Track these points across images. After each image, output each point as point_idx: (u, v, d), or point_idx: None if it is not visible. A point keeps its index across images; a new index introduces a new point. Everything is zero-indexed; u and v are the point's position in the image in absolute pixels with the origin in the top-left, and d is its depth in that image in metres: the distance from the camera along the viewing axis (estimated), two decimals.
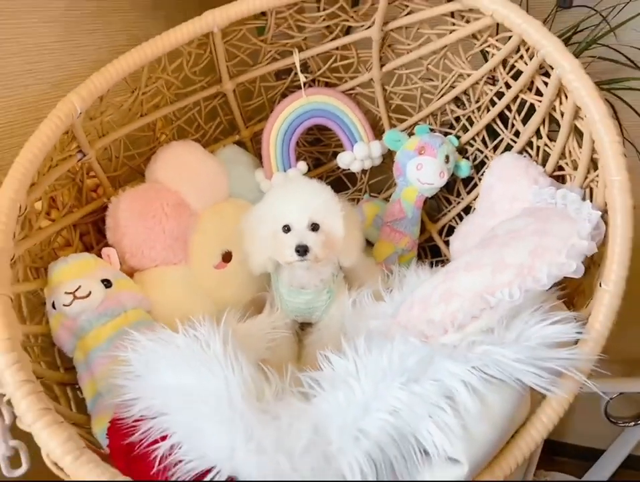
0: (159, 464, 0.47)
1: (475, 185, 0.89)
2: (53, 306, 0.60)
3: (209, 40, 0.76)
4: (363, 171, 1.00)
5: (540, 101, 0.70)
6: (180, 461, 0.47)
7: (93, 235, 0.76)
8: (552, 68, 0.63)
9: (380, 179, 1.00)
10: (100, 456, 0.46)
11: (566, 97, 0.65)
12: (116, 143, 0.77)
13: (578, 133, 0.68)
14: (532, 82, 0.72)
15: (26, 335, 0.58)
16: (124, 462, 0.50)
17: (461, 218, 0.90)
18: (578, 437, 1.39)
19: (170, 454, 0.48)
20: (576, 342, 0.54)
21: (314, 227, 0.67)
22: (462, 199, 0.91)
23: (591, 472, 1.28)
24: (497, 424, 0.49)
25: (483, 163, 0.87)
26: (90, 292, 0.60)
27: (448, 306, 0.57)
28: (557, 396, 0.52)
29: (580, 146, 0.67)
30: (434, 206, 0.99)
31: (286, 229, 0.67)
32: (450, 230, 0.92)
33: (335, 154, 0.94)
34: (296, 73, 0.87)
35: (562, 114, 0.67)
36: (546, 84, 0.67)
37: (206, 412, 0.49)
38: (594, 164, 0.66)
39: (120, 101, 0.72)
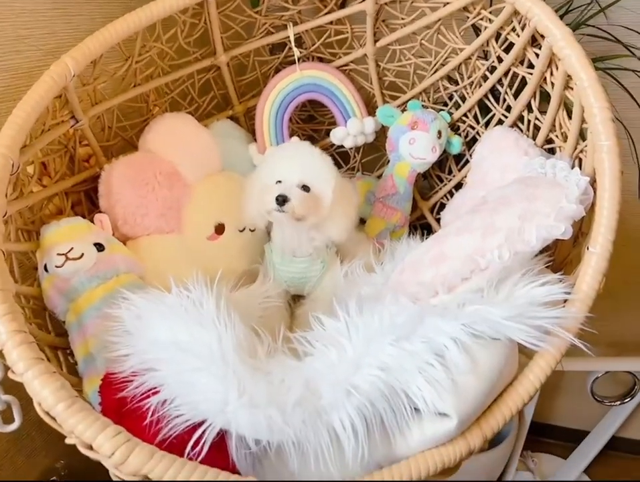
0: (151, 417, 0.48)
1: (467, 162, 0.89)
2: (45, 269, 0.60)
3: (204, 9, 0.76)
4: (356, 150, 1.01)
5: (531, 74, 0.71)
6: (172, 415, 0.48)
7: (85, 204, 0.76)
8: (543, 38, 0.64)
9: (373, 157, 1.01)
10: None
11: (557, 67, 0.66)
12: (109, 113, 0.77)
13: (568, 106, 0.69)
14: (524, 55, 0.72)
15: (17, 295, 0.58)
16: (116, 417, 0.49)
17: (452, 195, 0.91)
18: (564, 419, 1.41)
19: (162, 408, 0.48)
20: (564, 303, 0.55)
21: (305, 188, 0.68)
22: (454, 176, 0.92)
23: (577, 452, 1.30)
24: (485, 379, 0.50)
25: (474, 140, 0.88)
26: (83, 254, 0.60)
27: (438, 269, 0.58)
28: (544, 355, 0.53)
29: (570, 117, 0.68)
30: (425, 186, 1.00)
31: (277, 183, 0.68)
32: (442, 207, 0.92)
33: (328, 133, 0.95)
34: (290, 49, 0.88)
35: (553, 85, 0.68)
36: (537, 55, 0.68)
37: (199, 366, 0.49)
38: (583, 135, 0.67)
39: (113, 69, 0.72)
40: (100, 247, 0.62)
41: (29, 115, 0.57)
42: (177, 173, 0.76)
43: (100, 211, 0.72)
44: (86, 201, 0.76)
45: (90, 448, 0.43)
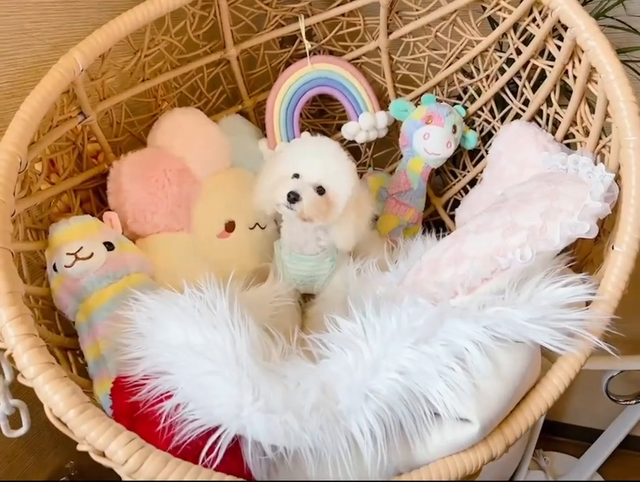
0: (164, 422, 0.46)
1: (482, 157, 0.87)
2: (55, 269, 0.59)
3: (214, 1, 0.74)
4: (368, 145, 0.99)
5: (552, 66, 0.69)
6: (185, 420, 0.46)
7: (93, 202, 0.74)
8: (566, 30, 0.61)
9: (385, 152, 0.99)
10: None
11: (579, 60, 0.64)
12: (117, 108, 0.75)
13: (590, 100, 0.67)
14: (544, 47, 0.70)
15: (26, 295, 0.57)
16: (128, 422, 0.48)
17: (467, 192, 0.89)
18: (578, 417, 1.39)
19: (175, 413, 0.47)
20: (587, 304, 0.53)
21: (320, 189, 0.66)
22: (469, 172, 0.90)
23: (590, 451, 1.28)
24: (508, 383, 0.48)
25: (490, 135, 0.86)
26: (92, 254, 0.58)
27: (457, 269, 0.56)
28: (568, 359, 0.51)
29: (592, 111, 0.66)
30: (439, 182, 0.98)
31: (294, 177, 0.67)
32: (456, 204, 0.90)
33: (339, 127, 0.93)
34: (300, 42, 0.86)
35: (575, 78, 0.65)
36: (559, 47, 0.66)
37: (212, 369, 0.48)
38: (605, 130, 0.65)
39: (122, 63, 0.70)
40: (109, 246, 0.61)
41: (36, 111, 0.55)
42: (186, 170, 0.75)
43: (109, 209, 0.71)
44: (95, 199, 0.75)
45: (103, 455, 0.42)
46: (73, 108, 0.66)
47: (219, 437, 0.45)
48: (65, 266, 0.57)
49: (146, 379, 0.49)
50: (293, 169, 0.67)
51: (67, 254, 0.58)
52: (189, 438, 0.46)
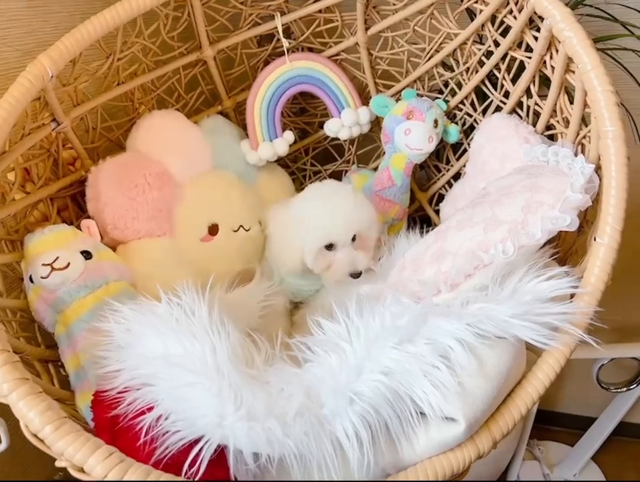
0: (145, 435, 0.45)
1: (465, 150, 0.87)
2: (31, 280, 0.58)
3: (187, 2, 0.73)
4: (351, 142, 0.98)
5: (530, 57, 0.68)
6: (167, 432, 0.46)
7: (72, 209, 0.73)
8: (542, 20, 0.61)
9: (368, 149, 0.98)
10: (86, 431, 0.44)
11: (557, 51, 0.63)
12: (93, 113, 0.74)
13: (569, 90, 0.66)
14: (521, 39, 0.69)
15: (3, 308, 0.56)
16: (109, 436, 0.48)
17: (451, 186, 0.89)
18: (570, 406, 1.40)
19: (156, 426, 0.46)
20: (572, 297, 0.53)
21: (354, 237, 0.67)
22: (452, 166, 0.89)
23: (584, 439, 1.29)
24: (493, 380, 0.48)
25: (472, 128, 0.85)
26: (69, 263, 0.57)
27: (440, 265, 0.55)
28: (553, 353, 0.51)
29: (571, 102, 0.65)
30: (423, 176, 0.97)
31: (330, 246, 0.67)
32: (441, 198, 0.90)
33: (321, 125, 0.92)
34: (278, 40, 0.84)
35: (553, 69, 0.65)
36: (536, 38, 0.65)
37: (193, 379, 0.47)
38: (585, 120, 0.64)
39: (94, 67, 0.69)
40: (87, 255, 0.60)
41: (5, 120, 0.54)
42: (167, 173, 0.73)
43: (89, 216, 0.70)
44: (73, 206, 0.73)
45: (82, 470, 0.41)
46: (46, 115, 0.65)
47: (201, 448, 0.45)
48: (42, 278, 0.56)
49: (126, 392, 0.48)
50: (323, 238, 0.66)
51: (43, 264, 0.57)
52: (172, 450, 0.45)
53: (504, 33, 0.71)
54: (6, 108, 0.54)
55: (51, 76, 0.58)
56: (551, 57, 0.65)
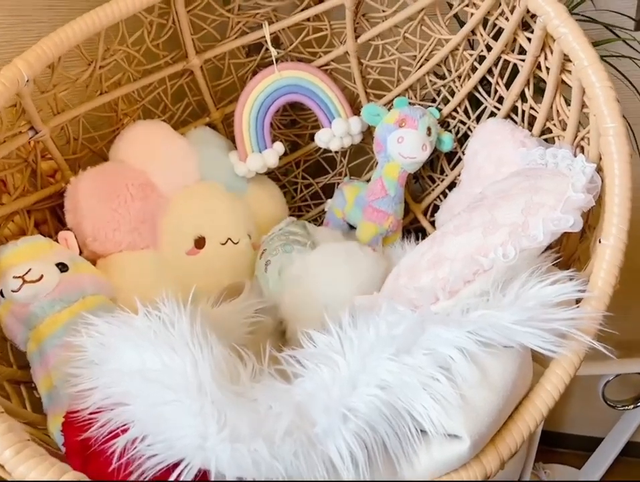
0: (119, 459, 0.41)
1: (459, 160, 0.85)
2: (2, 294, 0.54)
3: (171, 8, 0.71)
4: (343, 154, 0.96)
5: (523, 60, 0.67)
6: (143, 456, 0.41)
7: (51, 223, 0.70)
8: (534, 20, 0.59)
9: (360, 161, 0.96)
10: (58, 458, 0.40)
11: (551, 51, 0.61)
12: (75, 124, 0.71)
13: (565, 92, 0.64)
14: (515, 41, 0.68)
15: None
16: (80, 461, 0.43)
17: (446, 196, 0.86)
18: (576, 426, 1.35)
19: (132, 448, 0.42)
20: (577, 302, 0.50)
21: None
22: (447, 176, 0.87)
23: (591, 461, 1.24)
24: (498, 392, 0.44)
25: (466, 136, 0.83)
26: (42, 276, 0.54)
27: (437, 272, 0.52)
28: (562, 362, 0.47)
29: (568, 103, 0.63)
30: (417, 189, 0.95)
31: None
32: (436, 210, 0.87)
33: (312, 137, 0.90)
34: (267, 49, 0.83)
35: (548, 70, 0.63)
36: (529, 40, 0.64)
37: (172, 397, 0.43)
38: (583, 123, 0.62)
39: (75, 75, 0.67)
40: (63, 267, 0.56)
41: None
42: (150, 184, 0.71)
43: (69, 230, 0.66)
44: (53, 219, 0.70)
45: None
46: (23, 122, 0.62)
47: (181, 473, 0.40)
48: (12, 291, 0.53)
49: (99, 412, 0.44)
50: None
51: (14, 277, 0.53)
52: (148, 476, 0.41)
53: (496, 37, 0.70)
54: None
55: (27, 80, 0.56)
56: (545, 58, 0.63)
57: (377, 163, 0.86)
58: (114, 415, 0.43)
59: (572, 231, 0.50)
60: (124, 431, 0.42)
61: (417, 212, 0.91)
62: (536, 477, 1.26)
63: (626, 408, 1.11)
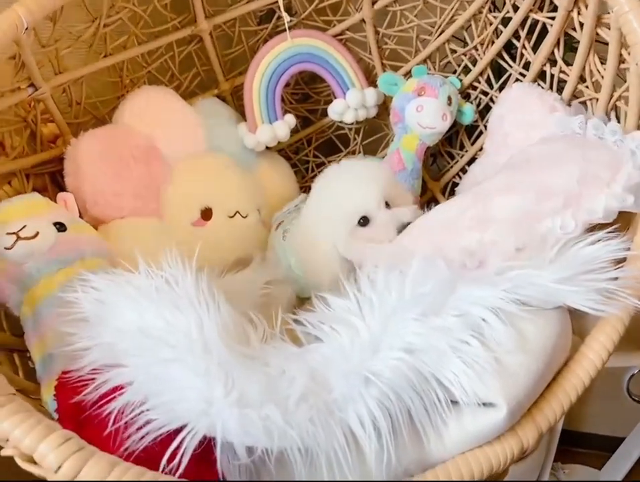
0: (115, 423, 0.37)
1: (480, 133, 0.81)
2: None
3: None
4: (357, 131, 0.92)
5: (553, 18, 0.62)
6: (142, 420, 0.37)
7: (51, 190, 0.66)
8: None
9: (374, 138, 0.92)
10: None
11: (586, 5, 0.57)
12: (77, 86, 0.68)
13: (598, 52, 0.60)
14: (544, 0, 0.64)
15: None
16: (73, 425, 0.39)
17: (466, 173, 0.82)
18: (597, 425, 1.29)
19: (130, 411, 0.38)
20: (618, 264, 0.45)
21: (387, 205, 0.60)
22: (467, 151, 0.83)
23: (612, 461, 1.18)
24: (537, 356, 0.40)
25: (487, 109, 0.79)
26: (38, 233, 0.50)
27: (484, 234, 0.48)
28: (604, 328, 0.43)
29: (602, 63, 0.59)
30: (434, 169, 0.91)
31: (364, 221, 0.59)
32: (455, 187, 0.83)
33: (324, 113, 0.86)
34: (279, 18, 0.79)
35: (582, 26, 0.59)
36: None
37: (174, 356, 0.39)
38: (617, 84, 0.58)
39: (78, 31, 0.63)
40: (61, 226, 0.52)
41: None
42: (155, 149, 0.67)
43: None
44: (53, 186, 0.66)
45: (33, 461, 0.33)
46: (22, 78, 0.59)
47: (183, 439, 0.36)
48: (5, 248, 0.49)
49: (95, 372, 0.40)
50: (357, 211, 0.59)
51: (8, 233, 0.49)
52: (147, 442, 0.37)
53: None
54: None
55: (26, 28, 0.52)
56: (579, 13, 0.59)
57: (392, 140, 0.82)
58: (112, 375, 0.39)
59: (631, 211, 0.46)
60: (122, 393, 0.38)
61: (435, 190, 0.86)
62: (554, 477, 1.21)
63: None
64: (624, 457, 1.16)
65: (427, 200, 0.87)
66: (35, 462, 0.32)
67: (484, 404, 0.39)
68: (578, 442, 1.29)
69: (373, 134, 0.92)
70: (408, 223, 0.57)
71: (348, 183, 0.62)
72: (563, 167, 0.49)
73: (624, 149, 0.50)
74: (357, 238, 0.59)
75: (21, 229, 0.49)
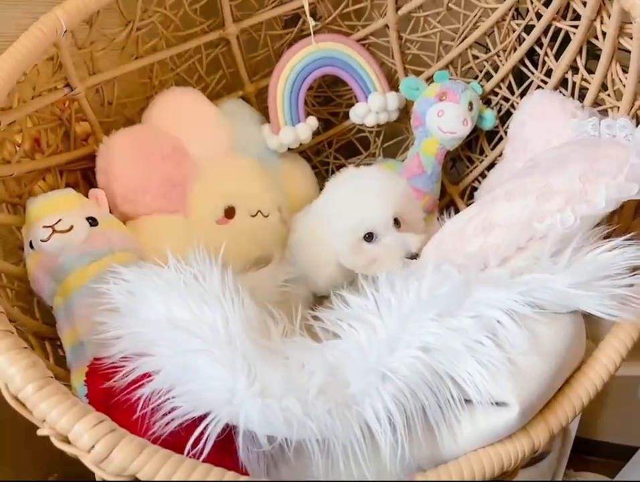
0: (143, 409, 0.39)
1: (500, 139, 0.81)
2: (31, 246, 0.53)
3: None
4: (377, 134, 0.93)
5: (576, 27, 0.63)
6: (168, 407, 0.39)
7: (82, 186, 0.69)
8: None
9: (395, 141, 0.93)
10: None
11: (608, 15, 0.58)
12: (109, 86, 0.70)
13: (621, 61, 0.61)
14: (567, 7, 0.65)
15: None
16: (103, 410, 0.41)
17: (485, 178, 0.83)
18: (610, 433, 1.28)
19: (157, 399, 0.40)
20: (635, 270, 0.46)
21: (396, 222, 0.59)
22: (486, 156, 0.84)
23: (624, 471, 1.18)
24: (550, 359, 0.41)
25: (508, 115, 0.79)
26: (72, 226, 0.52)
27: (488, 238, 0.49)
28: (618, 333, 0.43)
29: (624, 71, 0.60)
30: (454, 173, 0.92)
31: (369, 237, 0.58)
32: (473, 193, 0.84)
33: (346, 116, 0.88)
34: (304, 22, 0.81)
35: (604, 35, 0.59)
36: (584, 3, 0.60)
37: (201, 347, 0.41)
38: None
39: (112, 34, 0.66)
40: (93, 221, 0.55)
41: (13, 69, 0.50)
42: (183, 149, 0.69)
43: None
44: (84, 183, 0.69)
45: (67, 440, 0.35)
46: (59, 78, 0.61)
47: (207, 426, 0.38)
48: (42, 241, 0.51)
49: (125, 360, 0.42)
50: (363, 226, 0.58)
51: (44, 226, 0.52)
52: (172, 427, 0.39)
53: (547, 3, 0.66)
54: (16, 58, 0.51)
55: (65, 31, 0.55)
56: (602, 22, 0.60)
57: (412, 143, 0.83)
58: (140, 364, 0.41)
59: (636, 198, 0.46)
60: (150, 381, 0.41)
61: (454, 195, 0.87)
62: None
63: None
64: (637, 466, 1.15)
65: (446, 204, 0.88)
66: (69, 442, 0.35)
67: (497, 404, 0.40)
68: (591, 450, 1.28)
69: (394, 137, 0.93)
70: (417, 255, 0.56)
71: (360, 193, 0.61)
72: (567, 166, 0.50)
73: (634, 142, 0.50)
74: (359, 251, 0.59)
75: (56, 223, 0.52)
